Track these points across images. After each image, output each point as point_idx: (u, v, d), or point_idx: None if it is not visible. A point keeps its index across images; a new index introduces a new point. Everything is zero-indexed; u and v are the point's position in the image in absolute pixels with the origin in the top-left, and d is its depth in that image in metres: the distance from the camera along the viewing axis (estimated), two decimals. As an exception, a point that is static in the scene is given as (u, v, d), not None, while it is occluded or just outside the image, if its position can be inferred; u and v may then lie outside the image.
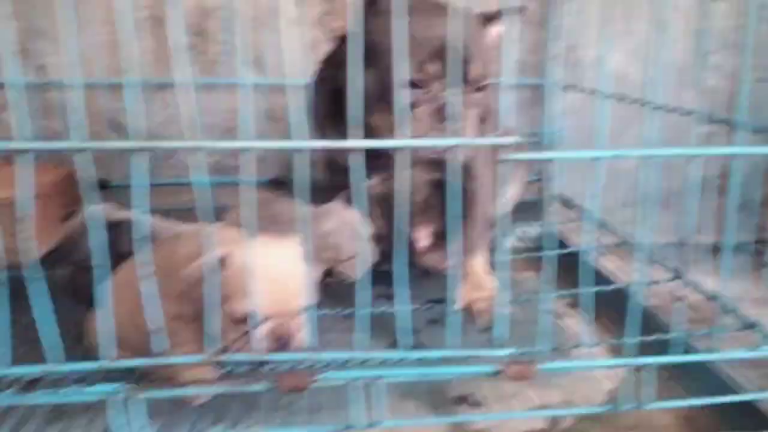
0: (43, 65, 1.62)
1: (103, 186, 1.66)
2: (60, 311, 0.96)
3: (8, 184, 1.32)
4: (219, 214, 1.65)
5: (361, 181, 1.24)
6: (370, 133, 1.10)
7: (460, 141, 0.86)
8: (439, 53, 0.99)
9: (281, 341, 0.83)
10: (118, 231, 1.02)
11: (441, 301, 1.16)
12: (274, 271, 0.84)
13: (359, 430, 0.81)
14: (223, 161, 1.68)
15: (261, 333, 0.82)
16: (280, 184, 1.67)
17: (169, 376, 0.89)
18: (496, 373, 0.81)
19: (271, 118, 1.69)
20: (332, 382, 0.81)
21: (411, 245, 1.28)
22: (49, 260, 1.01)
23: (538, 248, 1.59)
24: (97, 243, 0.75)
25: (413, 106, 1.03)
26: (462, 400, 1.00)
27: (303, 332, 0.86)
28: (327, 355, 0.82)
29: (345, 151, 1.20)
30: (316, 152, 1.54)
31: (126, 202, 1.62)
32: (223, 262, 0.83)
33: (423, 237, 1.28)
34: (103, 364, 0.77)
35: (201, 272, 0.82)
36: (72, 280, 1.04)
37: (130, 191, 0.73)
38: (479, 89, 1.08)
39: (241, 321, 0.82)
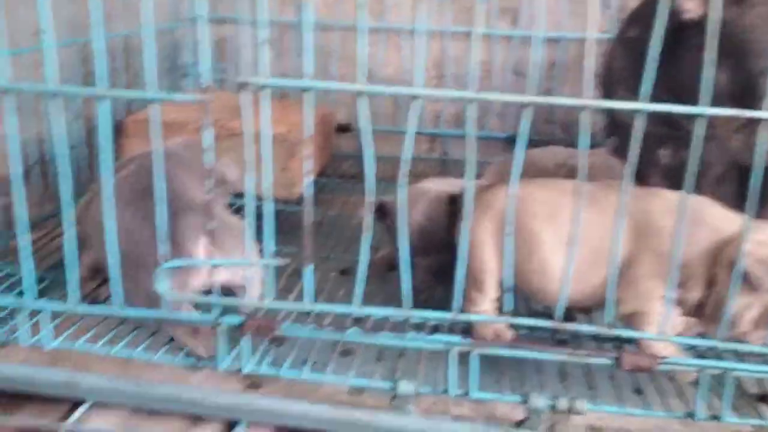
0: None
1: (346, 129, 1.69)
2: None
3: (281, 122, 1.38)
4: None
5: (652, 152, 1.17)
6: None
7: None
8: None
9: None
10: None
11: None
12: None
13: (702, 421, 0.77)
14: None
15: None
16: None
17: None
18: None
19: (516, 72, 1.63)
20: (678, 368, 0.76)
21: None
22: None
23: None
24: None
25: None
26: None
27: None
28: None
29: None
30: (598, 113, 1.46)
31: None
32: None
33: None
34: (452, 316, 0.77)
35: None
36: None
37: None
38: None
39: None
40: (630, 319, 0.83)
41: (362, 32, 0.67)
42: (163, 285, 0.74)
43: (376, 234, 1.27)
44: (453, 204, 1.00)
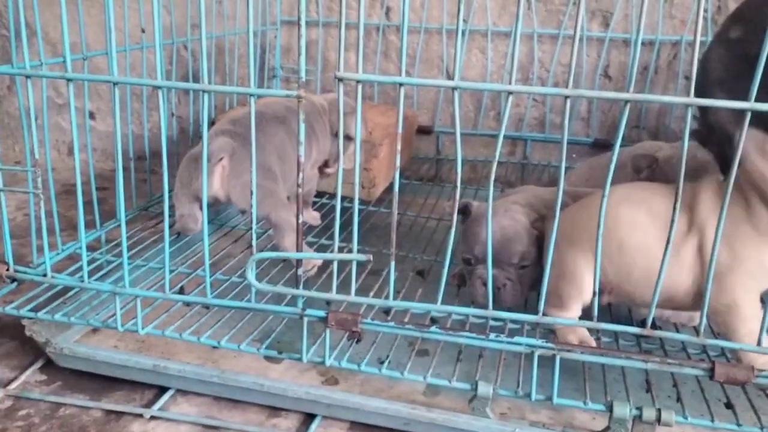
0: (390, 8, 1.66)
1: (426, 132, 1.70)
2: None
3: (363, 123, 1.39)
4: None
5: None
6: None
7: None
8: None
9: None
10: None
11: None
12: None
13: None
14: (553, 119, 1.64)
15: None
16: (603, 146, 1.58)
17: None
18: None
19: (605, 75, 1.59)
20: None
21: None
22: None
23: None
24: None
25: None
26: None
27: None
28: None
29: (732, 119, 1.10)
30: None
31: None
32: None
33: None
34: (536, 318, 0.75)
35: None
36: None
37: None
38: None
39: None
40: (723, 318, 0.78)
41: (460, 34, 0.66)
42: (251, 274, 0.76)
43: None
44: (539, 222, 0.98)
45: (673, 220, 0.68)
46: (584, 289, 0.86)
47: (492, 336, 0.77)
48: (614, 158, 0.67)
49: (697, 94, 1.24)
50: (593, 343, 0.85)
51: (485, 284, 0.94)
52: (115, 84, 0.76)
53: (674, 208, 0.67)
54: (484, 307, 0.78)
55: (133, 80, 0.78)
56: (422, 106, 1.70)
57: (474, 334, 0.77)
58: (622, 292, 0.86)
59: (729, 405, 0.82)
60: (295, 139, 1.03)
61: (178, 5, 1.54)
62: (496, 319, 0.84)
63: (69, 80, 0.80)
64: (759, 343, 0.70)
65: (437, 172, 1.73)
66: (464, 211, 1.02)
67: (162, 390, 0.92)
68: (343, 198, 1.31)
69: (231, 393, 0.89)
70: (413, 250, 1.25)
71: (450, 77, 1.65)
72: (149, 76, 1.31)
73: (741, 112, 0.65)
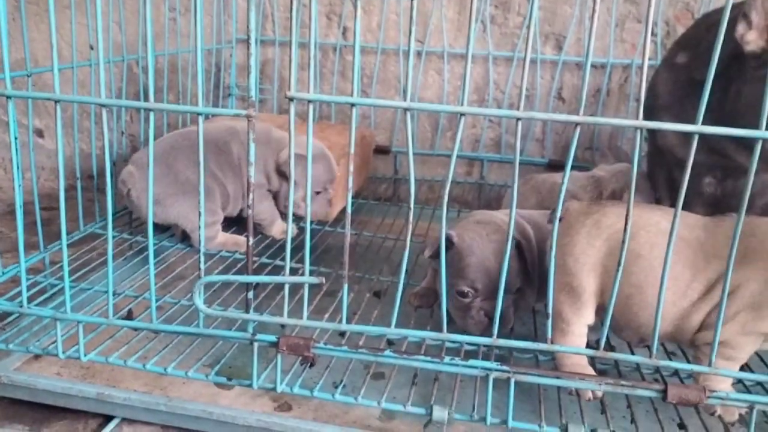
0: (347, 27, 1.66)
1: (384, 152, 1.69)
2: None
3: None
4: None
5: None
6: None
7: None
8: None
9: None
10: None
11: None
12: None
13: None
14: (508, 140, 1.65)
15: None
16: (558, 167, 1.60)
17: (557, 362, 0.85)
18: None
19: (559, 97, 1.61)
20: (728, 403, 0.72)
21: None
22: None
23: None
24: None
25: None
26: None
27: None
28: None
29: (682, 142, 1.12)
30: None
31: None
32: None
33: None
34: (491, 341, 0.74)
35: None
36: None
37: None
38: None
39: None
40: (706, 349, 0.76)
41: (411, 54, 0.66)
42: (199, 299, 0.74)
43: (416, 259, 1.27)
44: (520, 249, 0.94)
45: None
46: (584, 310, 0.83)
47: (447, 359, 0.76)
48: (565, 179, 0.67)
49: (646, 117, 1.27)
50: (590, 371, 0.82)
51: (487, 316, 0.92)
52: (57, 102, 0.74)
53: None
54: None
55: (76, 98, 0.75)
56: (379, 126, 1.70)
57: (429, 358, 0.76)
58: (621, 321, 0.83)
59: (682, 425, 0.82)
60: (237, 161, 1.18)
61: (131, 22, 1.51)
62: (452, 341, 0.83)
63: (8, 97, 0.77)
64: (710, 364, 0.70)
65: (395, 191, 1.73)
66: (447, 242, 0.98)
67: (107, 419, 0.88)
68: (300, 218, 1.31)
69: (179, 421, 0.86)
70: (370, 271, 1.23)
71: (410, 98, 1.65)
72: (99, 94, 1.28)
73: (689, 135, 0.66)
